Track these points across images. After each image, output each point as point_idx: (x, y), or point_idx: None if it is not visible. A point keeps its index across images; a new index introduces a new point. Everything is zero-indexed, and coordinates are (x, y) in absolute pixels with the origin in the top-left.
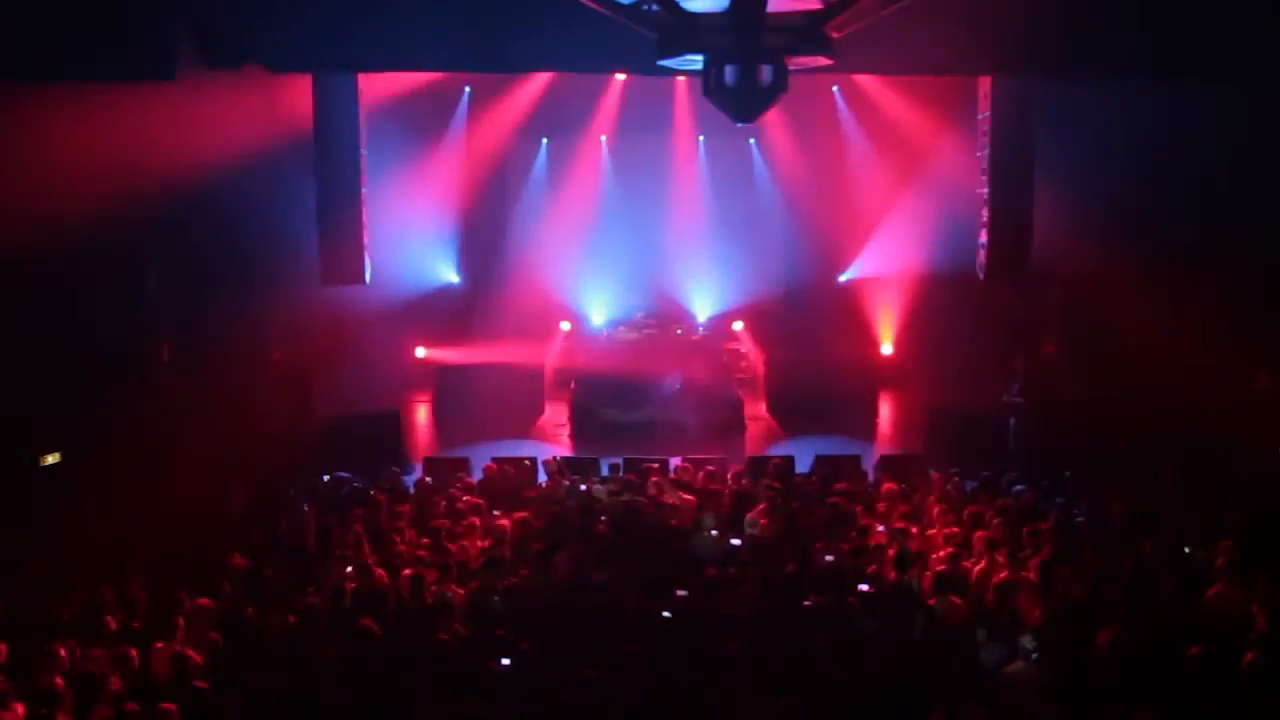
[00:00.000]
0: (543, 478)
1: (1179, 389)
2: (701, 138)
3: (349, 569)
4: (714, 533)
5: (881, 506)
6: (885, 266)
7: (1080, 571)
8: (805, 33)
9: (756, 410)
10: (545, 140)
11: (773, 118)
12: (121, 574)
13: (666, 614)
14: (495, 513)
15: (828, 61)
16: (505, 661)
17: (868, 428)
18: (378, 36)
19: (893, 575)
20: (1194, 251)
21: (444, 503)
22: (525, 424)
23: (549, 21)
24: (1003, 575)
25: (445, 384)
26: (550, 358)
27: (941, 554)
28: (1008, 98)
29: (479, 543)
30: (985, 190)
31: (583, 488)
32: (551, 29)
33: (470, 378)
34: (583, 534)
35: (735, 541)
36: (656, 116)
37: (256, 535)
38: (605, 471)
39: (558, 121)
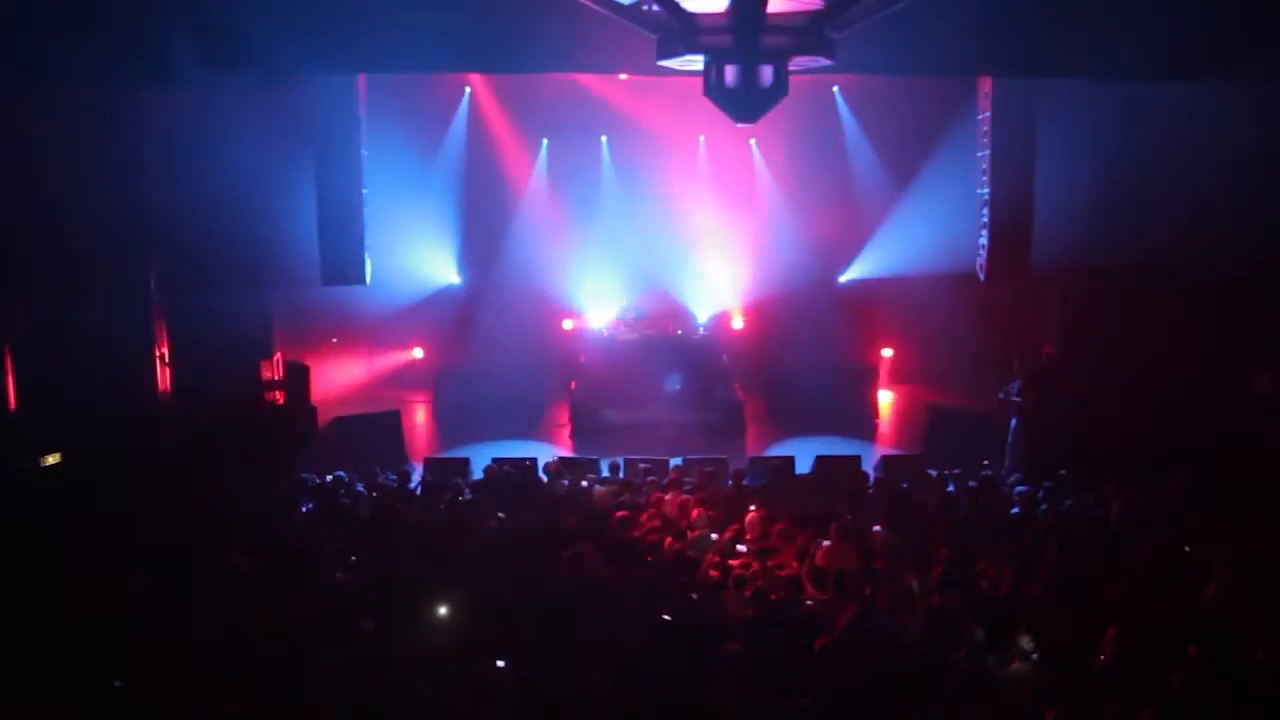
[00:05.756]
0: (543, 478)
1: (1179, 389)
2: (701, 138)
3: None
4: (714, 536)
5: None
6: (885, 266)
7: (1080, 572)
8: (805, 33)
9: (756, 410)
10: (545, 140)
11: (773, 118)
12: (121, 574)
13: (666, 616)
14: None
15: (828, 62)
16: (500, 664)
17: (868, 428)
18: (378, 38)
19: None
20: (1194, 251)
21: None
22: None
23: (549, 21)
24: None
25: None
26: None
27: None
28: (1008, 98)
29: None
30: (985, 190)
31: (583, 484)
32: (552, 29)
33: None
34: (582, 535)
35: (741, 548)
36: (656, 116)
37: (256, 535)
38: (605, 472)
39: (558, 121)
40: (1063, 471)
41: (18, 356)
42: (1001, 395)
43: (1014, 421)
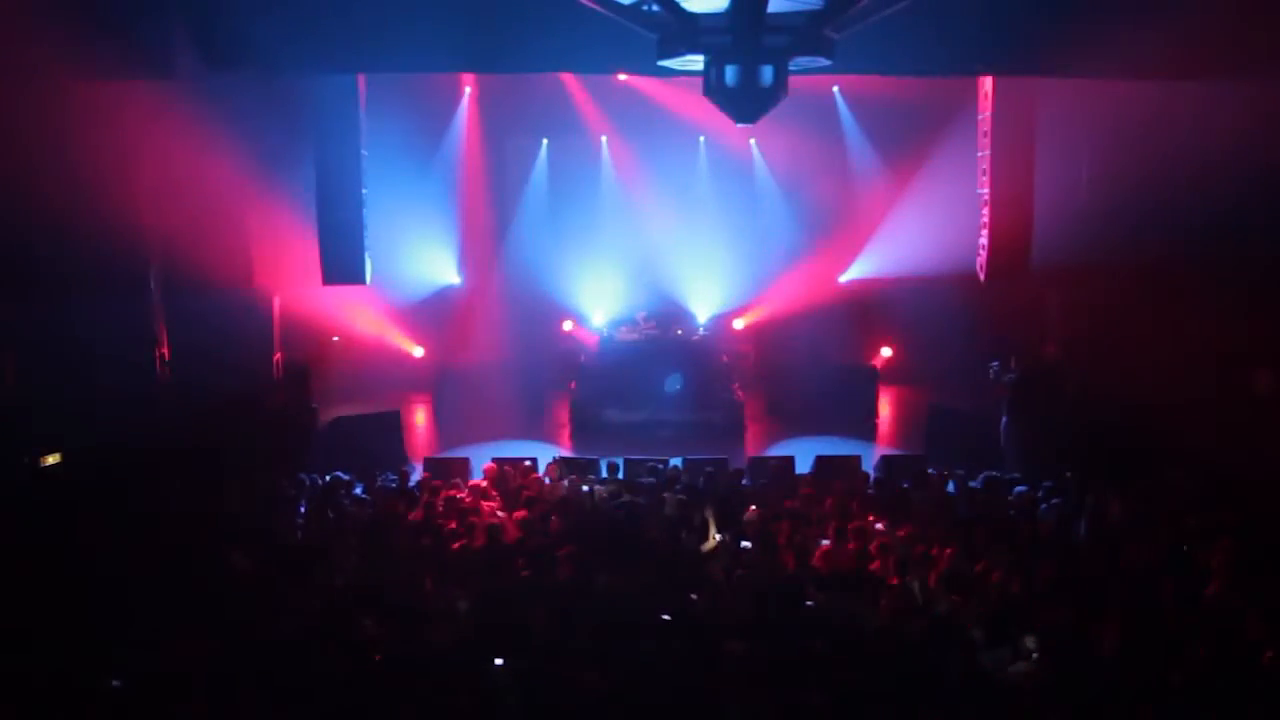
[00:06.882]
0: (544, 479)
1: (1179, 389)
2: (701, 138)
3: None
4: (718, 537)
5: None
6: (885, 267)
7: (1080, 572)
8: (805, 33)
9: (756, 410)
10: (545, 140)
11: (773, 118)
12: (121, 575)
13: (666, 616)
14: (499, 513)
15: (827, 62)
16: (499, 662)
17: (868, 428)
18: (378, 37)
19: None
20: (1194, 251)
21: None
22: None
23: (549, 21)
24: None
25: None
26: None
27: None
28: (1008, 98)
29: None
30: (985, 190)
31: (583, 488)
32: (552, 29)
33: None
34: (582, 534)
35: (745, 544)
36: (656, 116)
37: (257, 535)
38: (604, 472)
39: (558, 121)
40: (1067, 473)
41: (18, 356)
42: (992, 376)
43: (1004, 420)
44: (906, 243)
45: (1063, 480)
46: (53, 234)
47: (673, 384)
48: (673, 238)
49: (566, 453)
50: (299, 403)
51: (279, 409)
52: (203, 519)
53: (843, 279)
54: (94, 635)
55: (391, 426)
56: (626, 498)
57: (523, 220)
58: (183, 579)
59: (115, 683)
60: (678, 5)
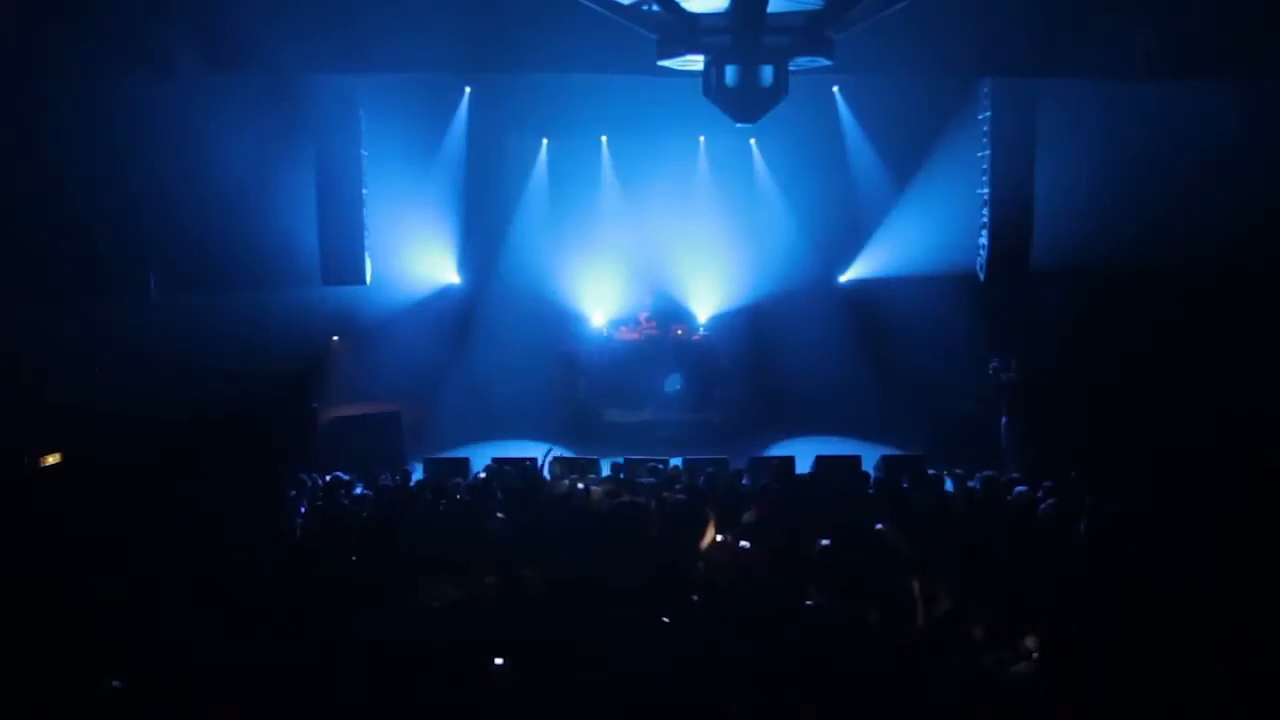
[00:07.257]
0: (545, 477)
1: (1179, 388)
2: (701, 138)
3: None
4: (719, 538)
5: None
6: (885, 266)
7: (1080, 571)
8: (805, 33)
9: (756, 410)
10: (545, 140)
11: (773, 118)
12: (121, 575)
13: (665, 618)
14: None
15: (827, 62)
16: (499, 661)
17: (868, 428)
18: (378, 38)
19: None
20: (1195, 251)
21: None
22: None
23: (549, 21)
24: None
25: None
26: None
27: None
28: (1008, 98)
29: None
30: (985, 190)
31: (581, 487)
32: (551, 29)
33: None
34: (581, 534)
35: (744, 544)
36: (656, 116)
37: (256, 535)
38: (606, 471)
39: (558, 121)
40: (1072, 474)
41: (18, 356)
42: (990, 370)
43: (1004, 420)
44: (906, 243)
45: (1063, 480)
46: (53, 234)
47: (673, 384)
48: (673, 238)
49: (567, 453)
50: (299, 403)
51: (278, 409)
52: (203, 518)
53: (843, 279)
54: (94, 635)
55: (391, 426)
56: (626, 497)
57: (523, 220)
58: (183, 579)
59: (115, 683)
60: (678, 5)
